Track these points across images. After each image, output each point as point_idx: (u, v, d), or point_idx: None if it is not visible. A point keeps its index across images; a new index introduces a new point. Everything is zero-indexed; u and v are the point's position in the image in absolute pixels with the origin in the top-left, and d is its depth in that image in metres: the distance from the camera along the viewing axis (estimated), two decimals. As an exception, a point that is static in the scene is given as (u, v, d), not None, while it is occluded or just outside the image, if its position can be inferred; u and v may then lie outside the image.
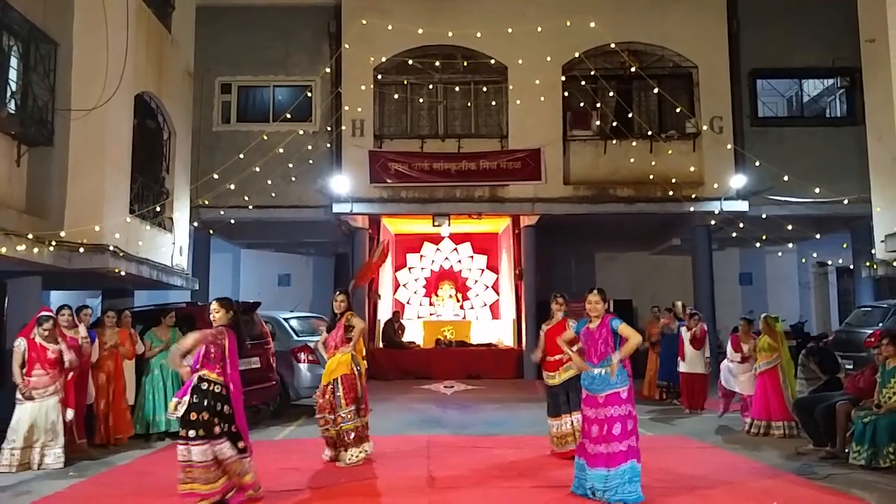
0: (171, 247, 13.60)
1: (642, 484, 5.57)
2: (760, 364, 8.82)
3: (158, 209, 13.08)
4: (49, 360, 7.19)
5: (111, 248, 10.40)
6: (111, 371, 8.33)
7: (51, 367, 7.20)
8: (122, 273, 10.82)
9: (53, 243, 9.37)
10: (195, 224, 15.10)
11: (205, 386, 5.49)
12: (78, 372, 7.63)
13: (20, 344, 7.19)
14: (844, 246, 16.05)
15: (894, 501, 5.57)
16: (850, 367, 10.14)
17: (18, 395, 7.13)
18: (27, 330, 7.32)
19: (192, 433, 5.34)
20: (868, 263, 13.79)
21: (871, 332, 10.45)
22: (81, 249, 9.79)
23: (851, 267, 16.66)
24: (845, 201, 14.20)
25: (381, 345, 16.77)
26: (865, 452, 6.70)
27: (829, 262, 18.92)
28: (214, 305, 5.81)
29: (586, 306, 5.85)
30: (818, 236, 14.78)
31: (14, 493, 6.14)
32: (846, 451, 7.02)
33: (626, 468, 5.50)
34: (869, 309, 12.83)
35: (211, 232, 15.80)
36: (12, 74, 9.54)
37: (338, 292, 7.47)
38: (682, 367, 10.77)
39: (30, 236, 8.79)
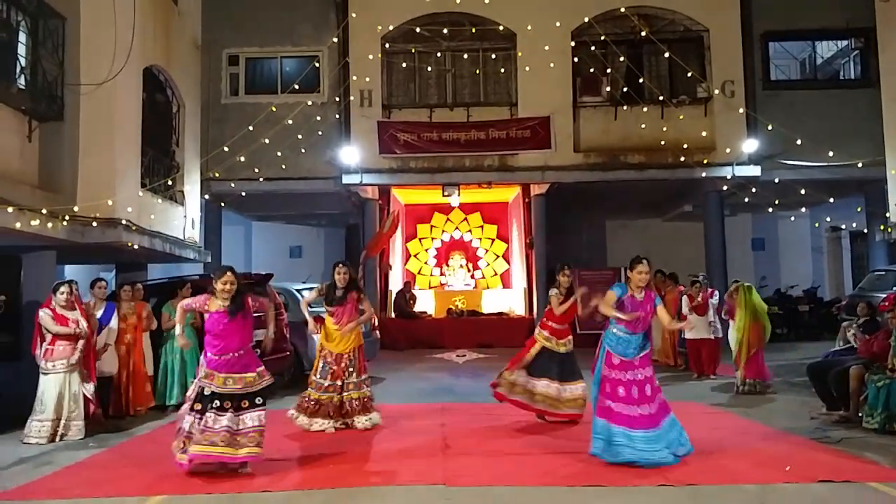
0: (182, 220, 13.67)
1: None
2: None
3: (170, 182, 13.10)
4: (71, 329, 7.30)
5: (124, 221, 10.46)
6: (130, 343, 8.46)
7: (73, 337, 7.30)
8: (135, 247, 10.90)
9: (67, 218, 9.43)
10: (206, 197, 15.14)
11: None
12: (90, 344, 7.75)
13: (45, 313, 7.27)
14: (858, 210, 15.90)
15: (907, 464, 5.60)
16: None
17: (43, 365, 7.23)
18: (48, 302, 7.42)
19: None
20: (882, 227, 13.70)
21: (884, 295, 10.38)
22: (94, 224, 9.85)
23: (865, 231, 16.51)
24: (859, 164, 14.03)
25: (392, 315, 16.87)
26: (879, 416, 6.72)
27: (843, 227, 18.78)
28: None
29: (637, 277, 5.97)
30: (831, 200, 14.65)
31: (35, 464, 6.25)
32: (859, 415, 7.04)
33: (669, 420, 5.84)
34: (882, 273, 12.79)
35: (222, 204, 15.84)
36: (21, 50, 9.51)
37: (340, 264, 7.52)
38: (688, 334, 10.78)
39: (43, 211, 8.85)
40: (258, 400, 5.76)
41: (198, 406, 5.67)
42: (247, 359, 5.80)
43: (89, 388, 7.42)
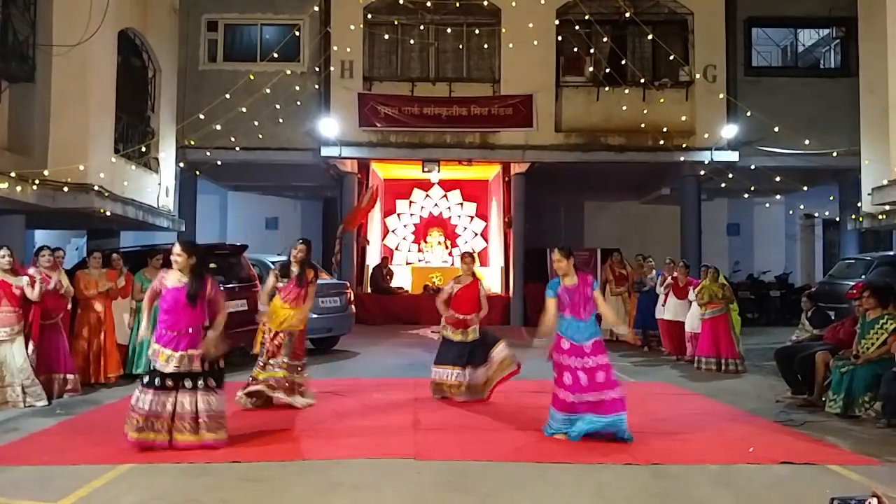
0: (156, 187, 13.49)
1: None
2: (706, 311, 9.81)
3: (144, 149, 12.91)
4: (14, 296, 7.01)
5: (96, 187, 10.30)
6: (101, 311, 8.31)
7: (16, 303, 7.03)
8: (108, 213, 10.75)
9: (37, 182, 9.26)
10: (181, 165, 14.93)
11: None
12: (63, 313, 7.61)
13: None
14: (832, 198, 16.11)
15: (867, 448, 5.72)
16: (833, 317, 10.32)
17: None
18: None
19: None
20: (854, 216, 13.89)
21: (853, 284, 10.59)
22: (66, 189, 9.70)
23: (838, 219, 16.77)
24: (834, 153, 14.21)
25: (369, 290, 16.84)
26: (841, 401, 6.85)
27: (816, 215, 19.05)
28: (178, 249, 5.63)
29: (554, 265, 6.05)
30: (806, 188, 14.82)
31: (1, 431, 6.18)
32: (823, 399, 7.17)
33: (623, 416, 5.81)
34: (852, 261, 13.00)
35: (197, 173, 15.63)
36: (-10, 7, 9.25)
37: (300, 241, 7.28)
38: (666, 315, 10.90)
39: (12, 174, 8.68)
40: (201, 382, 5.53)
41: (146, 380, 5.53)
42: (193, 338, 5.53)
43: (31, 355, 7.17)
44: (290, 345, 7.08)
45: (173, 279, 5.62)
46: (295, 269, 7.17)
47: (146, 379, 5.53)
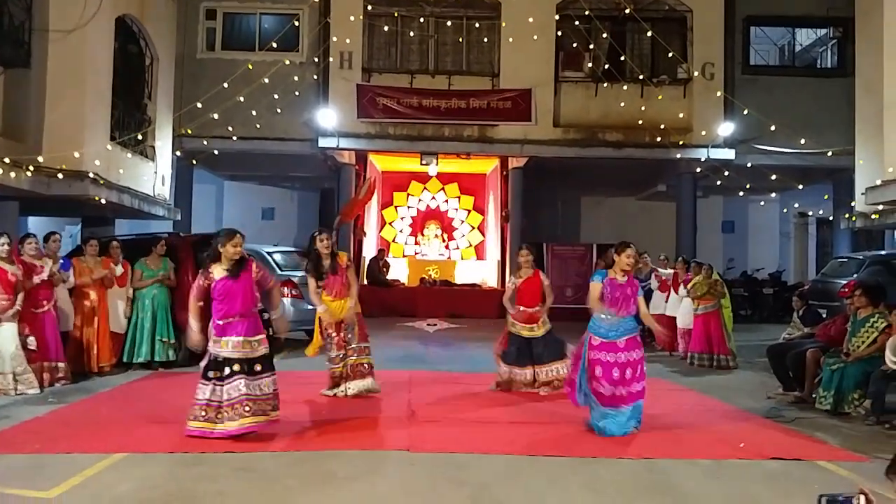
0: (153, 176, 13.47)
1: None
2: (699, 307, 9.81)
3: (140, 137, 12.88)
4: (9, 282, 6.97)
5: (91, 175, 10.28)
6: (95, 299, 8.26)
7: (10, 290, 6.99)
8: (103, 201, 10.73)
9: (31, 168, 9.23)
10: (178, 154, 14.89)
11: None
12: (53, 301, 7.59)
13: None
14: (826, 197, 16.17)
15: (856, 445, 5.77)
16: (824, 315, 10.39)
17: None
18: None
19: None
20: (847, 215, 13.95)
21: (845, 282, 10.64)
22: (60, 175, 9.66)
23: (831, 218, 16.83)
24: (829, 153, 14.25)
25: (365, 282, 16.83)
26: (831, 398, 6.89)
27: (810, 213, 19.12)
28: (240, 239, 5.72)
29: (626, 262, 6.01)
30: (801, 187, 14.87)
31: (-7, 418, 6.17)
32: (813, 396, 7.22)
33: (639, 404, 5.95)
34: (845, 260, 13.07)
35: (194, 162, 15.59)
36: (-14, -9, 9.21)
37: (323, 233, 7.17)
38: (668, 310, 10.93)
39: (6, 160, 8.65)
40: (258, 367, 5.59)
41: (214, 374, 5.51)
42: (253, 323, 5.63)
43: (31, 342, 7.19)
44: (354, 331, 7.14)
45: (219, 270, 5.63)
46: (327, 262, 7.11)
47: (210, 373, 5.53)
